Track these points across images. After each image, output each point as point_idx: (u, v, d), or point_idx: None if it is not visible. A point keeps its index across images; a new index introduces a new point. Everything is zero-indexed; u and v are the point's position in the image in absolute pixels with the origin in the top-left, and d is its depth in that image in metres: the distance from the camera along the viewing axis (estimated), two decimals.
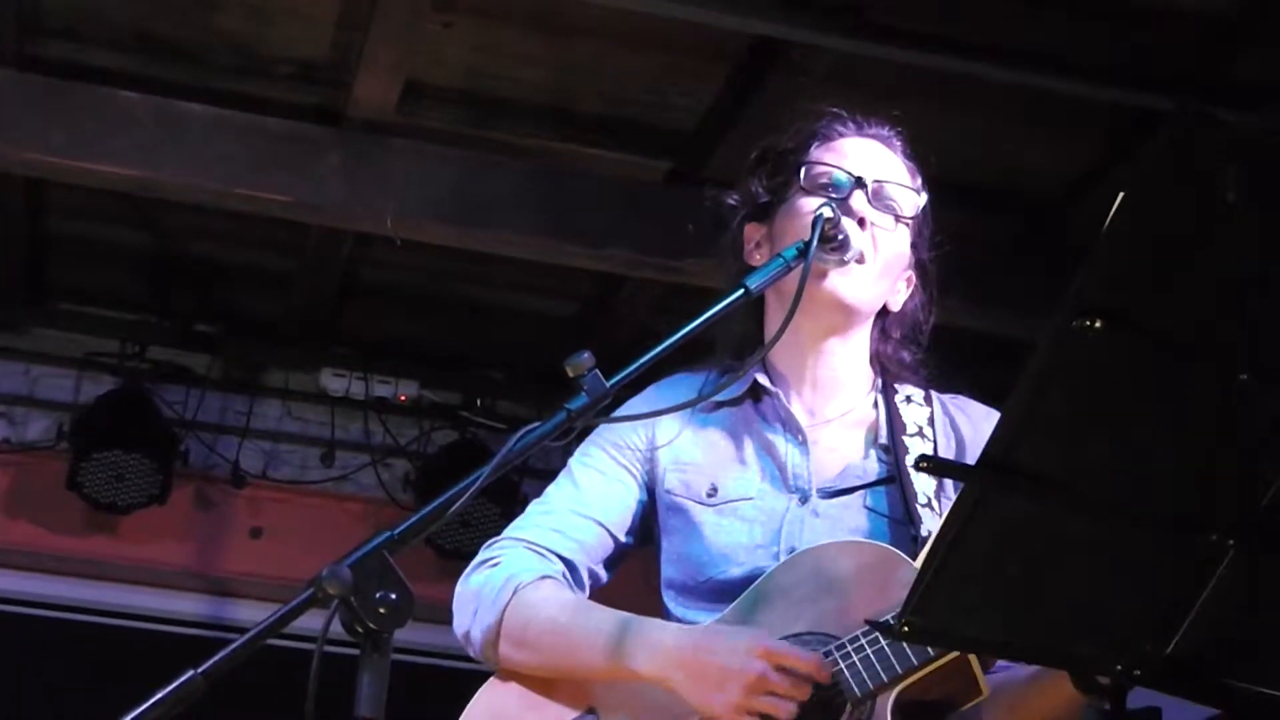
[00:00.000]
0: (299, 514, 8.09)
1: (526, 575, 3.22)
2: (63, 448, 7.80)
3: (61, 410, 7.96)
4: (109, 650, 8.02)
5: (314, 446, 8.19)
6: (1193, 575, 2.22)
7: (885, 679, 2.95)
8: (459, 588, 3.31)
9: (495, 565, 3.27)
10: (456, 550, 7.29)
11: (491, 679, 3.24)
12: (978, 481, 2.14)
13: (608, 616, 3.14)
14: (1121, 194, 1.92)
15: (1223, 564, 2.20)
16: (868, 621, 2.81)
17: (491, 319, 7.75)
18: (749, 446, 3.34)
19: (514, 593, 3.19)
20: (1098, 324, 1.94)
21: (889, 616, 2.82)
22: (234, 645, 2.56)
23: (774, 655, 2.93)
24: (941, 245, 3.46)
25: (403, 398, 8.12)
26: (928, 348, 3.46)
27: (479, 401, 8.11)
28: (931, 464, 2.64)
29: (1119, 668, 2.25)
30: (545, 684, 3.19)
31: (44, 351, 8.03)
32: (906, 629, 2.27)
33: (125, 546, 7.96)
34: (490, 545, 3.35)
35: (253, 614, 8.04)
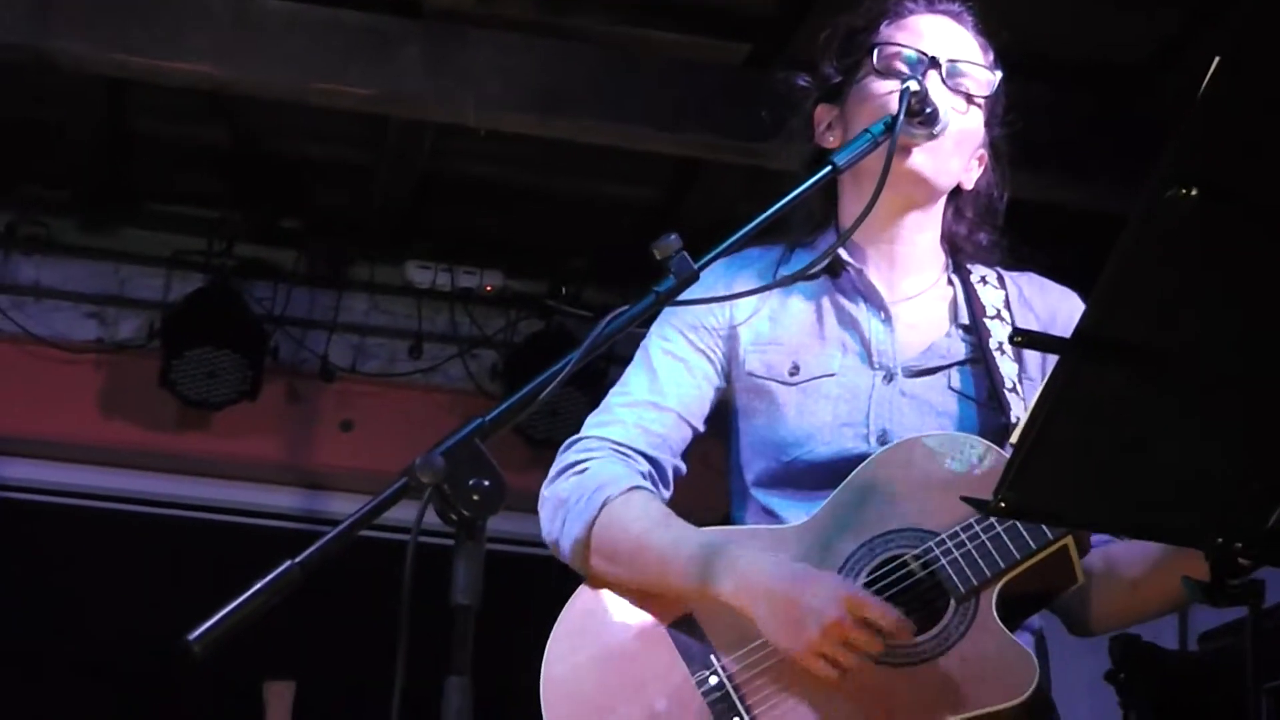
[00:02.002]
0: (388, 406, 8.11)
1: (614, 487, 3.21)
2: (154, 346, 7.84)
3: (152, 309, 8.00)
4: (203, 545, 8.12)
5: (401, 339, 8.20)
6: None
7: (988, 574, 2.95)
8: (545, 491, 3.30)
9: (583, 472, 3.26)
10: (547, 439, 7.29)
11: (584, 584, 3.25)
12: (1073, 354, 2.10)
13: (697, 537, 3.14)
14: (1217, 58, 1.88)
15: None
16: (963, 498, 2.80)
17: (574, 207, 7.73)
18: (830, 321, 3.32)
19: (602, 506, 3.19)
20: (1193, 193, 1.91)
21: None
22: (329, 535, 2.57)
23: (858, 606, 2.92)
24: (1015, 123, 3.41)
25: (488, 288, 8.12)
26: (1000, 227, 3.42)
27: (564, 290, 8.09)
28: (1026, 338, 2.61)
29: (1219, 540, 2.23)
30: (637, 592, 3.19)
31: (132, 251, 8.06)
32: (1004, 504, 2.25)
33: (218, 442, 8.01)
34: (574, 445, 3.33)
35: (345, 506, 8.12)
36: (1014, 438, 2.23)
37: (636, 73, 6.38)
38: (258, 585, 2.49)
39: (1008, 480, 2.18)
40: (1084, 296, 3.32)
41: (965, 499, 2.80)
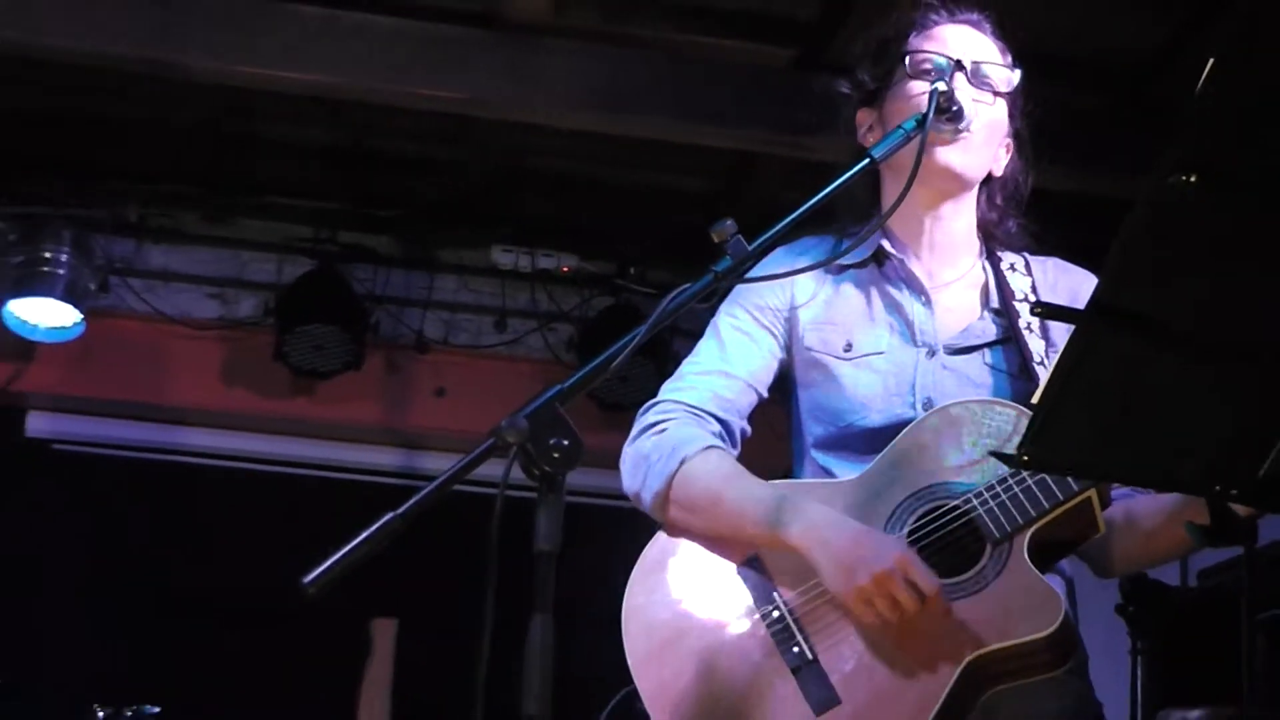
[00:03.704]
0: (476, 375, 8.12)
1: (691, 446, 3.23)
2: (269, 323, 7.88)
3: (267, 290, 8.03)
4: (312, 499, 8.16)
5: (487, 315, 8.22)
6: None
7: (1020, 521, 2.96)
8: (628, 449, 3.32)
9: (662, 432, 3.29)
10: (617, 403, 7.31)
11: (660, 532, 3.27)
12: (1087, 324, 2.11)
13: (767, 490, 3.17)
14: (1211, 61, 1.87)
15: None
16: (991, 453, 2.81)
17: (639, 196, 7.72)
18: (878, 304, 3.33)
19: (681, 463, 3.22)
20: (1192, 179, 1.90)
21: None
22: (425, 490, 2.60)
23: (906, 565, 2.95)
24: (1033, 114, 3.41)
25: (565, 269, 8.12)
26: (1026, 212, 3.43)
27: (631, 270, 8.08)
28: (1046, 309, 2.62)
29: (1217, 488, 2.23)
30: (709, 538, 3.22)
31: (249, 239, 8.09)
32: (1026, 458, 2.26)
33: (326, 408, 8.05)
34: (653, 408, 3.35)
35: (438, 464, 8.17)
36: (1035, 399, 2.23)
37: (692, 74, 6.39)
38: (363, 534, 2.52)
39: (1030, 436, 2.19)
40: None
41: (993, 453, 2.83)
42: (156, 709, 5.33)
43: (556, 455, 2.54)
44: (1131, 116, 6.38)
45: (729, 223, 2.79)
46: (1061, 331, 3.23)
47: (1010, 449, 2.89)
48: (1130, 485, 3.05)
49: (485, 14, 6.25)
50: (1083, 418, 2.16)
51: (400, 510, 2.58)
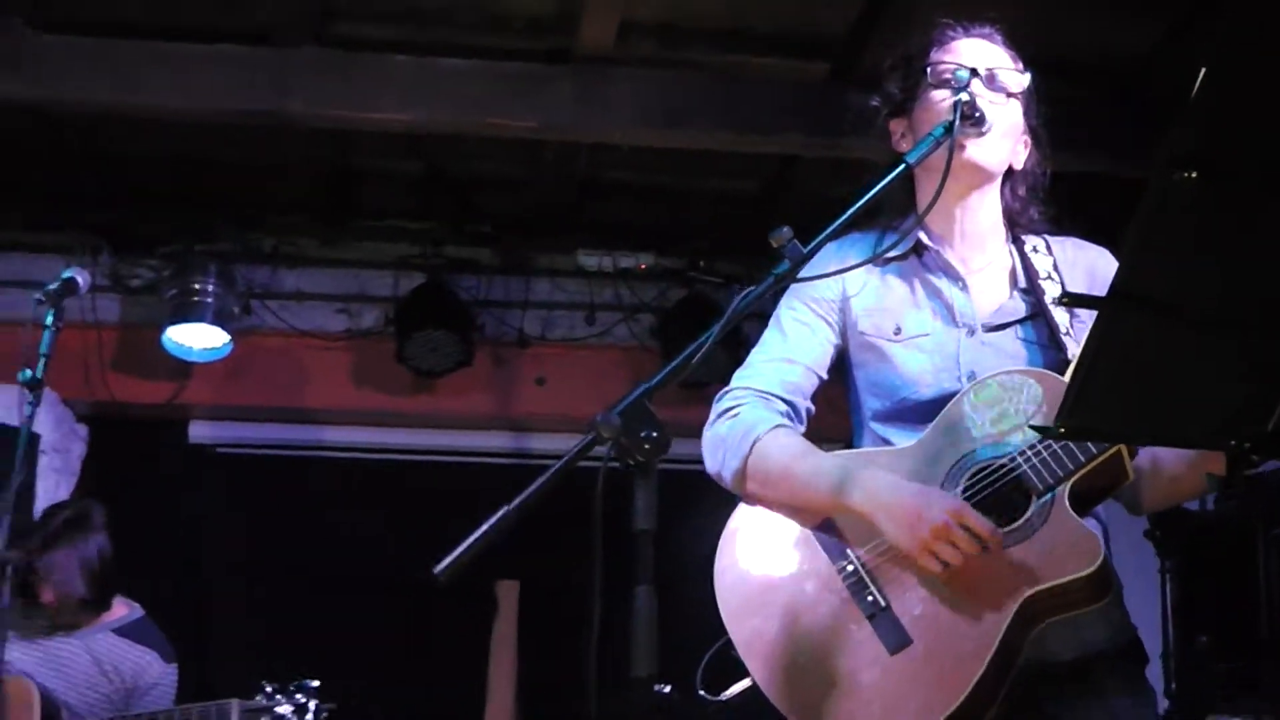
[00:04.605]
0: (572, 364, 8.14)
1: (762, 427, 3.22)
2: (389, 331, 7.91)
3: (386, 302, 8.06)
4: (435, 480, 8.20)
5: (578, 311, 8.22)
6: None
7: (1061, 474, 2.95)
8: (707, 433, 3.32)
9: (735, 416, 3.28)
10: (694, 383, 7.29)
11: (741, 503, 3.28)
12: (1108, 309, 2.08)
13: (832, 462, 3.15)
14: (1205, 64, 1.84)
15: None
16: (1031, 427, 2.80)
17: (702, 198, 7.69)
18: (920, 292, 3.32)
19: (754, 443, 3.20)
20: (1192, 175, 1.88)
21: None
22: (536, 484, 2.60)
23: (961, 515, 2.94)
24: (1046, 113, 3.39)
25: (641, 266, 8.12)
26: (1045, 199, 3.40)
27: (701, 263, 8.07)
28: (1070, 299, 2.61)
29: (1232, 443, 2.21)
30: (785, 507, 3.22)
31: (367, 259, 8.12)
32: (1063, 430, 2.25)
33: (443, 401, 8.09)
34: (726, 394, 3.34)
35: (542, 444, 8.22)
36: (1067, 376, 2.21)
37: (739, 91, 6.35)
38: (483, 527, 2.54)
39: (1065, 410, 2.17)
40: (1114, 252, 3.34)
41: (1033, 427, 2.83)
42: (316, 683, 5.29)
43: (648, 446, 2.54)
44: (1132, 103, 6.31)
45: (785, 230, 2.80)
46: None
47: (1044, 413, 2.97)
48: (1154, 445, 3.03)
49: (555, 50, 6.25)
50: (1109, 391, 2.13)
51: (514, 503, 2.58)
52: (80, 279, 4.33)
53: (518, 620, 7.99)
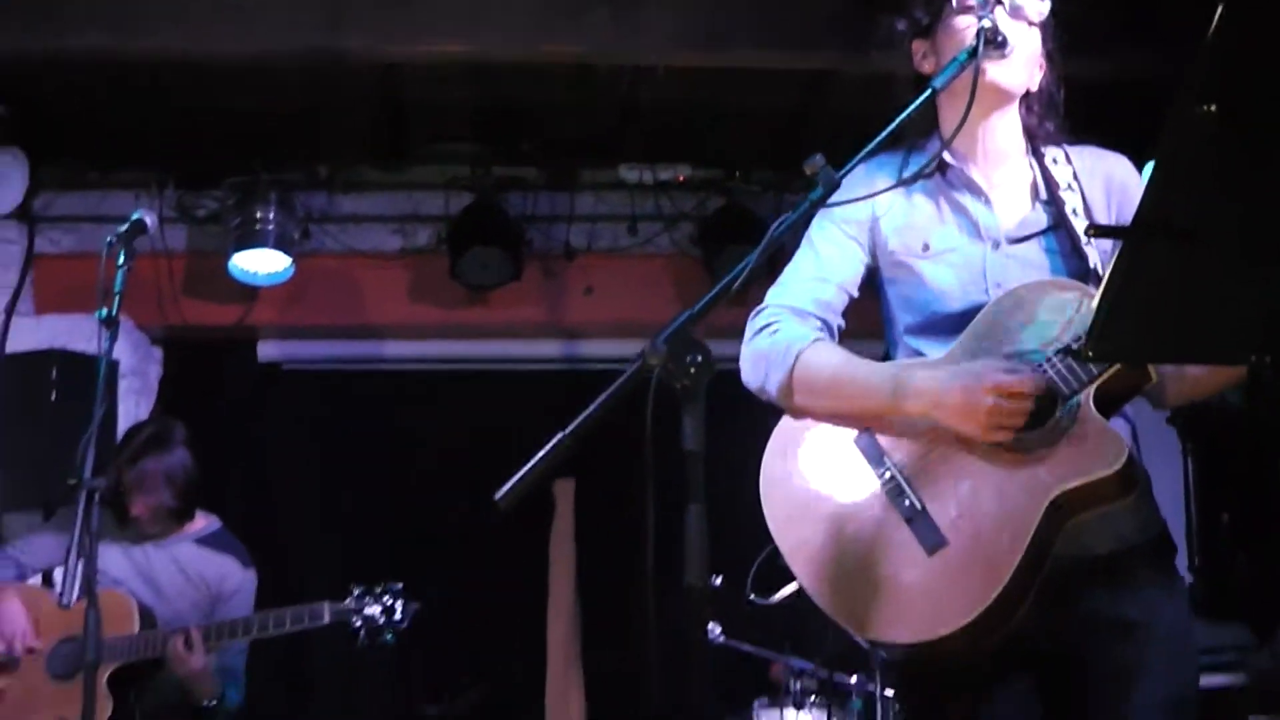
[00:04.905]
0: (617, 273, 8.13)
1: (802, 341, 3.24)
2: (442, 249, 7.90)
3: (438, 221, 8.06)
4: (490, 389, 8.23)
5: (621, 223, 8.19)
6: None
7: (1086, 379, 2.96)
8: (746, 350, 3.33)
9: (775, 332, 3.28)
10: (734, 297, 7.29)
11: (784, 416, 3.29)
12: (1133, 237, 2.08)
13: (880, 368, 3.18)
14: (1221, 5, 1.82)
15: None
16: (1058, 351, 2.80)
17: (740, 113, 7.61)
18: (945, 208, 3.31)
19: (797, 356, 3.21)
20: (1212, 109, 1.86)
21: (1072, 343, 2.90)
22: (587, 412, 2.62)
23: (1000, 388, 2.95)
24: (1062, 37, 3.36)
25: (680, 178, 8.08)
26: (1061, 114, 3.37)
27: (737, 173, 8.03)
28: (1097, 230, 2.61)
29: (1253, 358, 2.20)
30: (828, 417, 3.24)
31: (420, 181, 8.11)
32: (1091, 354, 2.26)
33: (496, 313, 8.09)
34: (762, 312, 3.35)
35: (591, 349, 8.23)
36: (1094, 303, 2.22)
37: (770, 9, 6.27)
38: (540, 454, 2.58)
39: (1094, 335, 2.17)
40: (1132, 159, 3.31)
41: (1060, 350, 2.84)
42: (400, 584, 5.37)
43: (693, 370, 2.56)
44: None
45: (818, 157, 2.82)
46: (1102, 210, 3.20)
47: (1068, 322, 2.97)
48: (1181, 364, 3.02)
49: None
50: (1134, 315, 2.14)
51: (568, 429, 2.61)
52: (149, 219, 4.36)
53: (574, 517, 8.04)
